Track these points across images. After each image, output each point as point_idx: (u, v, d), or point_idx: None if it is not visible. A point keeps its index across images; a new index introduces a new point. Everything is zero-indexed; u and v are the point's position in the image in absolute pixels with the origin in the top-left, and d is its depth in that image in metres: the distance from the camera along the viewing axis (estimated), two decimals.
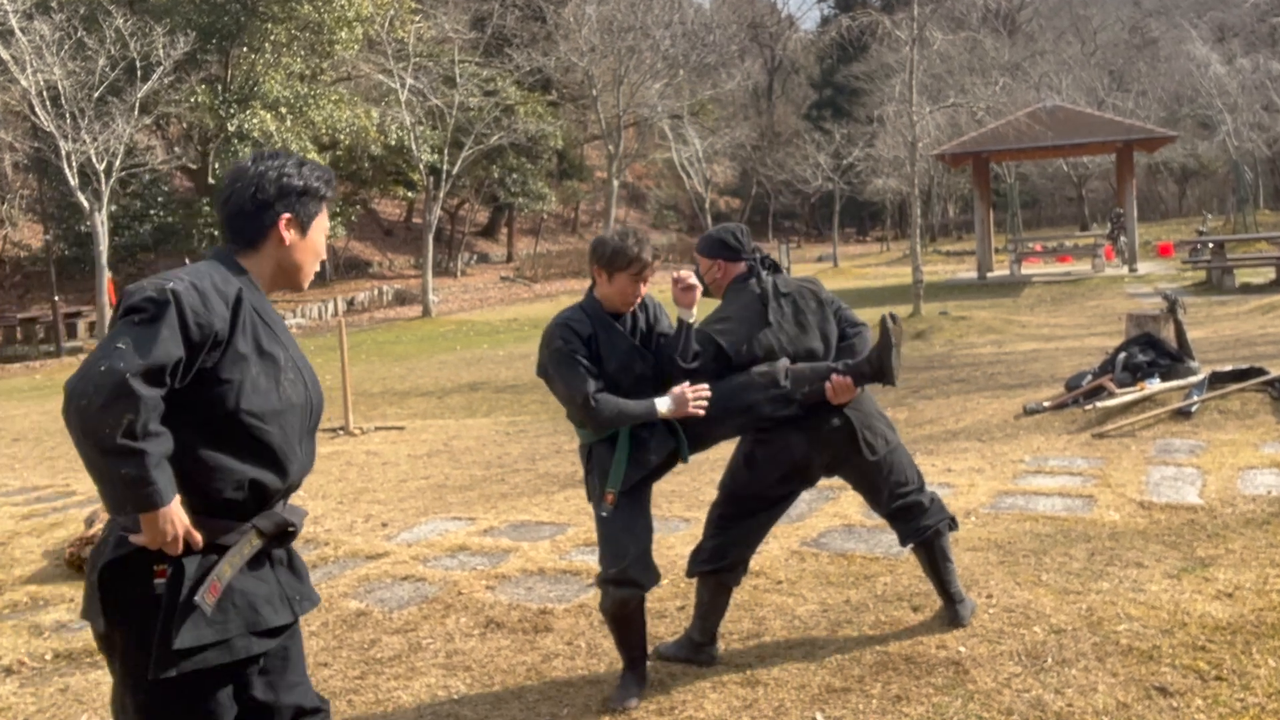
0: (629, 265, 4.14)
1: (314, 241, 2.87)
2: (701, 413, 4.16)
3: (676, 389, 4.15)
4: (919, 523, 4.55)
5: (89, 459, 2.42)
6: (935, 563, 4.62)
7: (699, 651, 4.49)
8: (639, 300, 4.27)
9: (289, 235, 2.80)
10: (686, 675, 4.35)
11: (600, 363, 4.16)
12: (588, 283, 4.35)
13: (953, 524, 4.66)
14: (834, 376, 4.26)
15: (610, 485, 4.16)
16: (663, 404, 4.12)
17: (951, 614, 4.62)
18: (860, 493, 4.68)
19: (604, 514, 4.17)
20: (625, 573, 4.10)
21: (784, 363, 4.32)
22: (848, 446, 4.38)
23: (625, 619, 4.22)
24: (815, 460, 4.37)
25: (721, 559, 4.42)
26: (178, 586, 2.56)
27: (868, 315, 4.49)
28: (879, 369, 4.25)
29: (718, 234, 4.56)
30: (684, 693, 4.21)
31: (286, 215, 2.78)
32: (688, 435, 4.30)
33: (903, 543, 4.64)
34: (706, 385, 4.19)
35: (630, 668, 4.29)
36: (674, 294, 4.32)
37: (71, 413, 2.40)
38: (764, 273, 4.51)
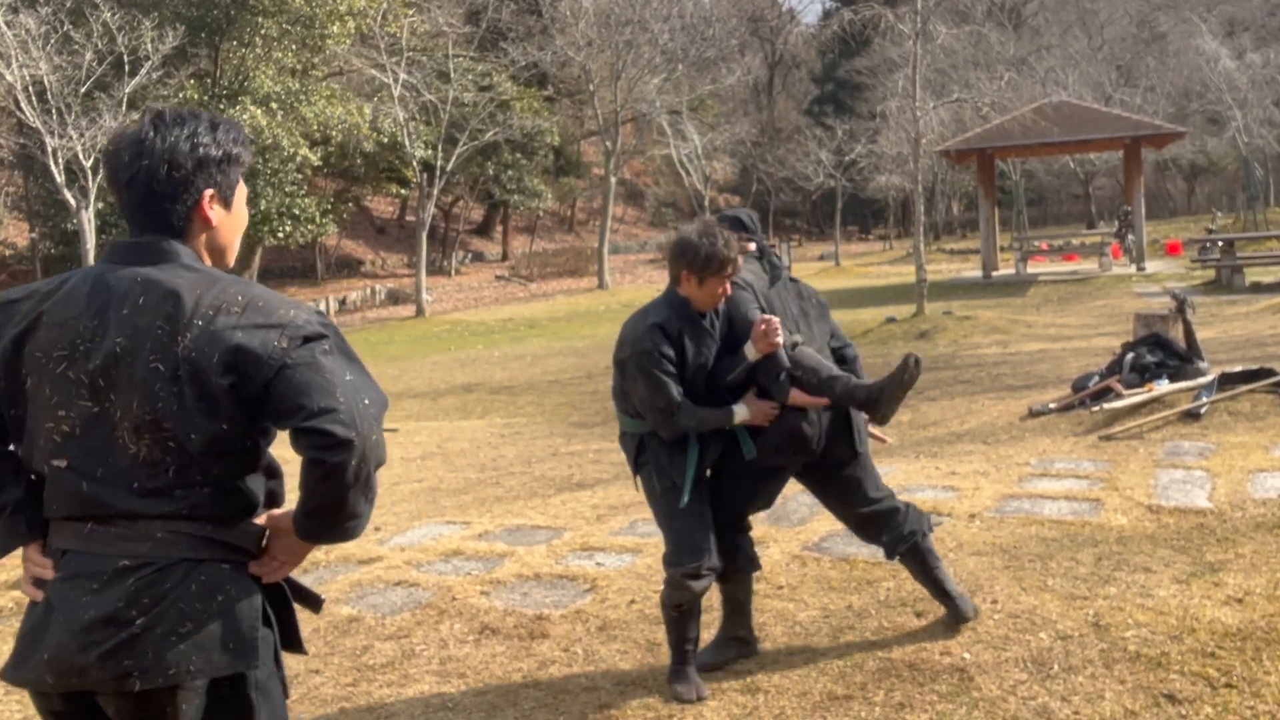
0: (721, 269, 4.20)
1: (239, 215, 2.53)
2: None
3: (757, 401, 4.31)
4: (902, 530, 4.58)
5: (369, 495, 2.33)
6: (926, 564, 4.65)
7: (745, 646, 4.59)
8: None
9: (214, 213, 2.44)
10: None
11: (684, 359, 4.26)
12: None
13: (929, 526, 4.73)
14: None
15: (684, 488, 4.28)
16: (740, 412, 4.28)
17: (953, 611, 4.62)
18: (831, 499, 4.68)
19: (681, 506, 4.26)
20: (704, 565, 4.22)
21: (796, 337, 4.44)
22: (838, 433, 4.47)
23: (691, 611, 4.32)
24: (813, 436, 4.41)
25: (735, 554, 4.48)
26: (286, 602, 2.52)
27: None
28: (874, 400, 4.27)
29: (734, 213, 4.74)
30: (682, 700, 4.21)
31: (209, 191, 2.42)
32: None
33: (890, 555, 4.65)
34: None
35: (685, 660, 4.35)
36: (754, 335, 4.27)
37: (370, 455, 2.27)
38: (771, 258, 4.68)
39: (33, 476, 2.42)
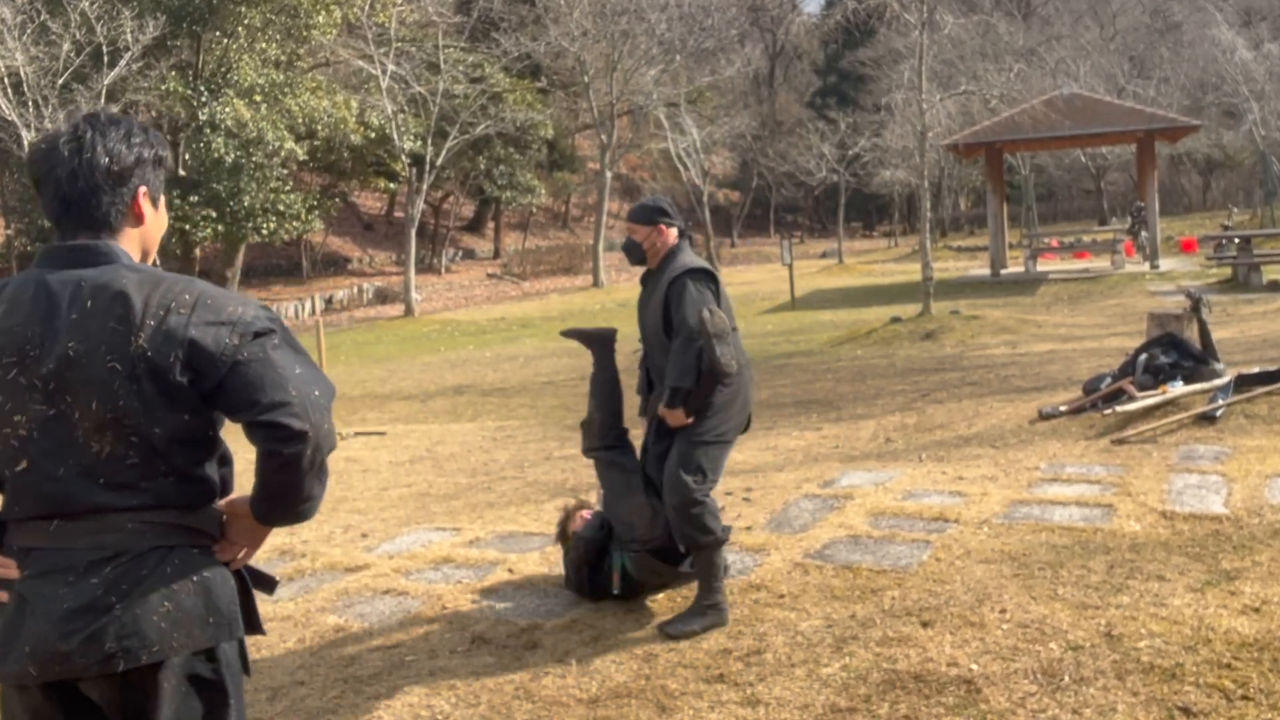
0: None
1: (164, 215, 2.71)
2: None
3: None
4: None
5: (322, 479, 2.52)
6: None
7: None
8: None
9: (145, 210, 2.61)
10: (684, 694, 4.36)
11: None
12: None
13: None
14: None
15: (615, 566, 5.27)
16: None
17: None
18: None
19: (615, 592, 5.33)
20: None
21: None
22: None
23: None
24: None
25: None
26: (245, 586, 2.68)
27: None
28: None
29: (654, 201, 5.32)
30: (681, 712, 4.21)
31: (143, 188, 2.59)
32: None
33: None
34: None
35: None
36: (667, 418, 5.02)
37: (324, 443, 2.47)
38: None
39: None
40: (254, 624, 2.67)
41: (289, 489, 2.49)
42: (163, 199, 2.71)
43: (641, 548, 5.18)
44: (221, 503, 2.60)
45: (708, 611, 4.97)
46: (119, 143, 2.56)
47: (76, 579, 2.41)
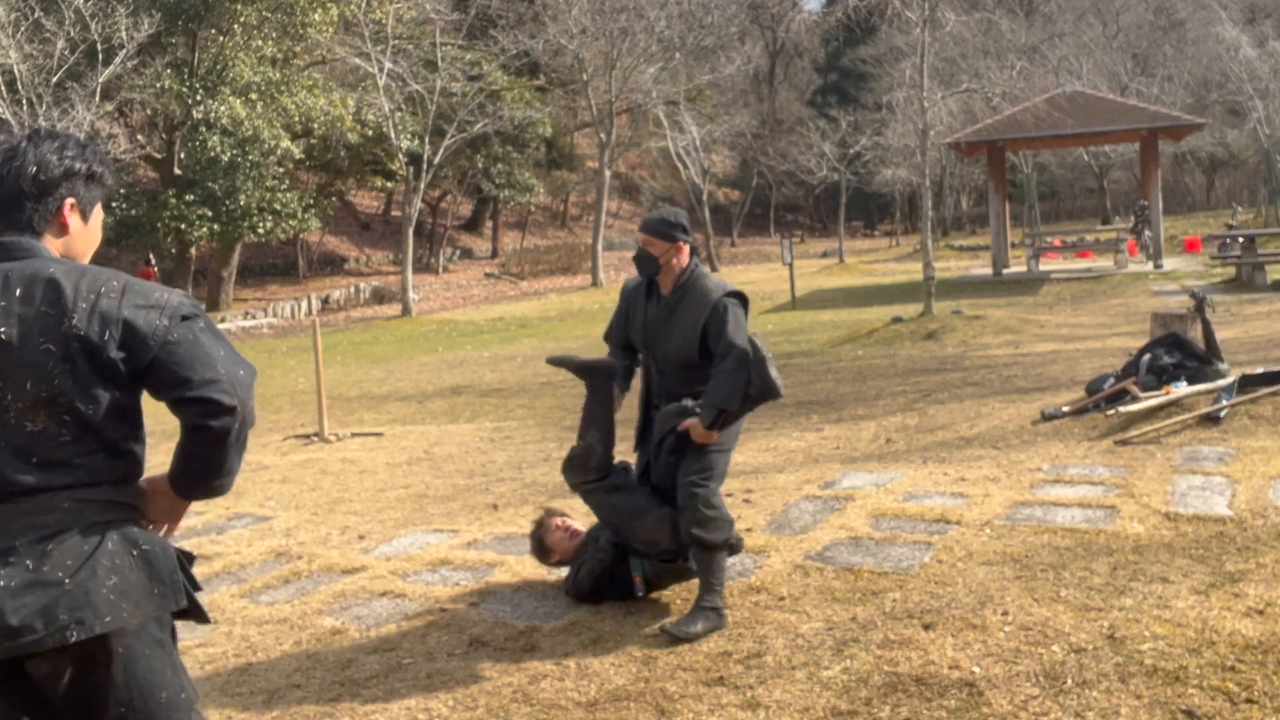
0: None
1: (94, 230, 2.86)
2: None
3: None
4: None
5: (242, 453, 2.69)
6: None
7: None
8: None
9: (73, 221, 2.78)
10: (684, 697, 4.36)
11: None
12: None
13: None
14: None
15: (636, 570, 5.38)
16: None
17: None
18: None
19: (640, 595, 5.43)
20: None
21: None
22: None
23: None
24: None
25: None
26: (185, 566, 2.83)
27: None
28: (764, 390, 5.07)
29: (674, 217, 5.23)
30: (680, 715, 4.21)
31: (70, 200, 2.77)
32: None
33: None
34: None
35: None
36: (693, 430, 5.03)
37: (249, 418, 2.65)
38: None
39: None
40: (192, 587, 2.81)
41: (213, 462, 2.65)
42: (98, 215, 2.85)
43: (668, 557, 5.23)
44: (140, 481, 2.75)
45: (709, 614, 4.97)
46: (50, 154, 2.73)
47: (18, 558, 2.52)
